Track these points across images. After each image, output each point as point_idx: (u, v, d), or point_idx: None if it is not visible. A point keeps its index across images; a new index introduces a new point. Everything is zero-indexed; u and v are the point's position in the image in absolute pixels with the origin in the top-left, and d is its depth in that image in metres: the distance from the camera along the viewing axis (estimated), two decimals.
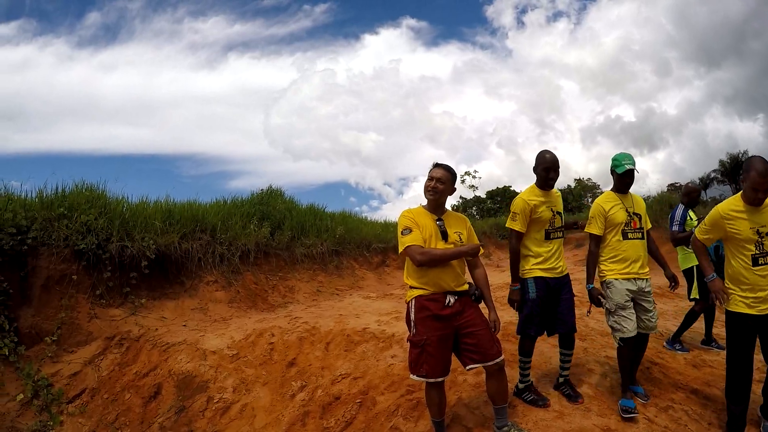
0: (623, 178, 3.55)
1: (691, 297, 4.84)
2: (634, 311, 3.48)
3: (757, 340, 3.07)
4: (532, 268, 3.54)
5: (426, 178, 3.15)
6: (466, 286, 3.09)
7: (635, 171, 3.57)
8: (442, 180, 3.08)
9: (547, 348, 4.33)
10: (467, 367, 2.99)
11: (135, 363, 4.39)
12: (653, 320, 3.58)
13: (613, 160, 3.61)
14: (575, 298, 3.71)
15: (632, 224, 3.53)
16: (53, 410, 3.80)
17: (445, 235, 3.03)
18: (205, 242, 6.47)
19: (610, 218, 3.53)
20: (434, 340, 2.90)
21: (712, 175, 33.40)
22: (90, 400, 4.04)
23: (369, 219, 11.09)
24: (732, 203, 3.09)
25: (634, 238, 3.51)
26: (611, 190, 3.70)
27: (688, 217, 4.86)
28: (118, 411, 3.91)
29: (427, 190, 3.10)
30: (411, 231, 2.98)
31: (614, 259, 3.52)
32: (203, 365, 4.33)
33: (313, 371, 4.30)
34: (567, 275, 3.68)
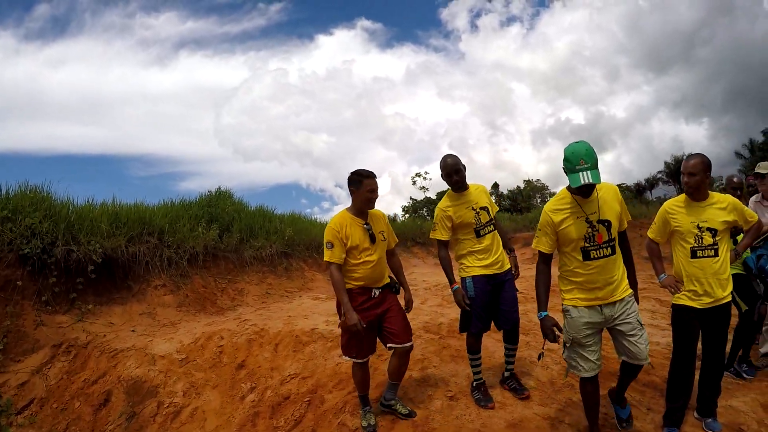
0: (581, 189, 2.72)
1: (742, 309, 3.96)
2: (595, 347, 2.89)
3: None
4: (472, 266, 3.63)
5: (366, 188, 3.37)
6: (388, 280, 3.54)
7: (590, 180, 2.60)
8: (378, 190, 3.44)
9: (491, 343, 4.58)
10: (387, 346, 3.46)
11: (83, 370, 4.42)
12: (639, 346, 2.85)
13: (565, 161, 2.70)
14: (521, 295, 3.86)
15: (596, 238, 2.77)
16: (2, 422, 3.79)
17: (373, 238, 3.41)
18: (152, 245, 6.46)
19: (561, 234, 2.84)
20: (361, 327, 3.28)
21: (658, 176, 35.45)
22: (39, 410, 4.05)
23: (319, 220, 11.22)
24: (675, 200, 3.28)
25: (600, 257, 2.78)
26: (567, 188, 2.87)
27: None
28: (68, 420, 3.94)
29: (370, 201, 3.39)
30: (333, 246, 3.30)
31: (574, 284, 2.90)
32: (152, 370, 4.42)
33: (263, 372, 4.45)
34: (508, 270, 3.71)
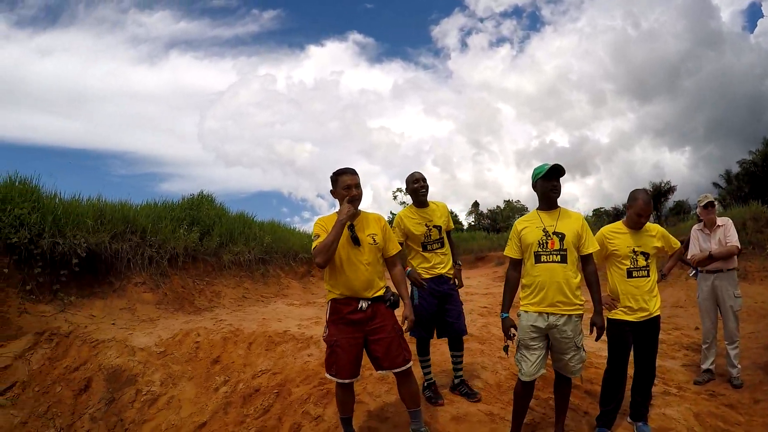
0: (549, 175, 3.16)
1: None
2: (539, 353, 3.13)
3: None
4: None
5: (342, 187, 3.09)
6: (381, 292, 3.13)
7: (556, 182, 3.17)
8: (359, 186, 3.10)
9: (447, 349, 4.75)
10: (377, 371, 3.15)
11: (65, 358, 4.59)
12: (570, 364, 3.16)
13: (534, 173, 3.28)
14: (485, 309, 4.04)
15: (549, 245, 3.12)
16: None
17: (356, 241, 3.06)
18: (134, 244, 6.64)
19: (522, 238, 3.21)
20: (343, 342, 3.01)
21: None
22: (21, 393, 4.20)
23: (298, 230, 11.43)
24: (613, 226, 3.68)
25: (549, 262, 3.10)
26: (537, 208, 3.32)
27: None
28: (49, 403, 4.11)
29: (350, 199, 3.06)
30: (318, 237, 3.04)
31: (526, 287, 3.21)
32: (132, 360, 4.62)
33: (236, 368, 4.68)
34: (454, 285, 3.99)
